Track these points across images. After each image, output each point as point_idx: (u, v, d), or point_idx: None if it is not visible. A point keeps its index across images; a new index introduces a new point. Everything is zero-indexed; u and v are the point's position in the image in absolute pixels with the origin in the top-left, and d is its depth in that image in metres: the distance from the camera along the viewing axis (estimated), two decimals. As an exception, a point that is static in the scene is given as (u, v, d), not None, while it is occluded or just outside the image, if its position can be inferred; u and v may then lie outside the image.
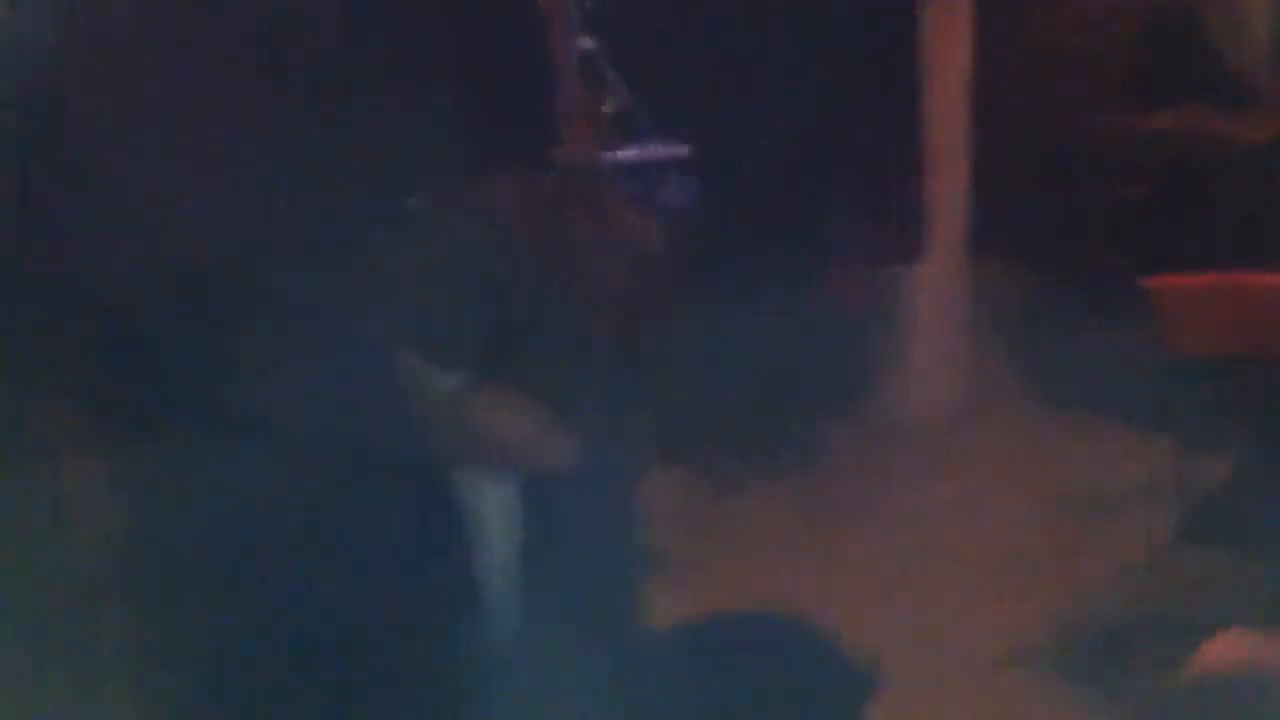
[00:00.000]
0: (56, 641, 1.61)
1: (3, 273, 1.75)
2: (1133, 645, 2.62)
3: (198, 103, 1.89)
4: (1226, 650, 2.25)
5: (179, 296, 1.73)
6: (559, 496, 1.68)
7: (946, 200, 3.61)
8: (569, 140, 2.38)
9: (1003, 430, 3.76)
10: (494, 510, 1.67)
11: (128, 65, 1.66)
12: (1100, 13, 4.05)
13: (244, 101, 1.99)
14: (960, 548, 3.23)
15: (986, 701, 2.71)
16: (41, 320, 1.68)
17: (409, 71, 2.17)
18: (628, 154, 2.46)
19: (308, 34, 1.94)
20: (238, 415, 1.48)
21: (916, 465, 3.61)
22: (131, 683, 1.58)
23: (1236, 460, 2.74)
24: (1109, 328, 3.66)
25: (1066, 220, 3.94)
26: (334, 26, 1.94)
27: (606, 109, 2.52)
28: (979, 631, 2.90)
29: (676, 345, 1.56)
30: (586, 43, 2.48)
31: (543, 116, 2.33)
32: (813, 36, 2.87)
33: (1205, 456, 2.97)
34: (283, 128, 2.11)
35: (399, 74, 2.17)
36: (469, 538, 1.62)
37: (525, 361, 1.47)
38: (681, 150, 2.59)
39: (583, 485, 1.66)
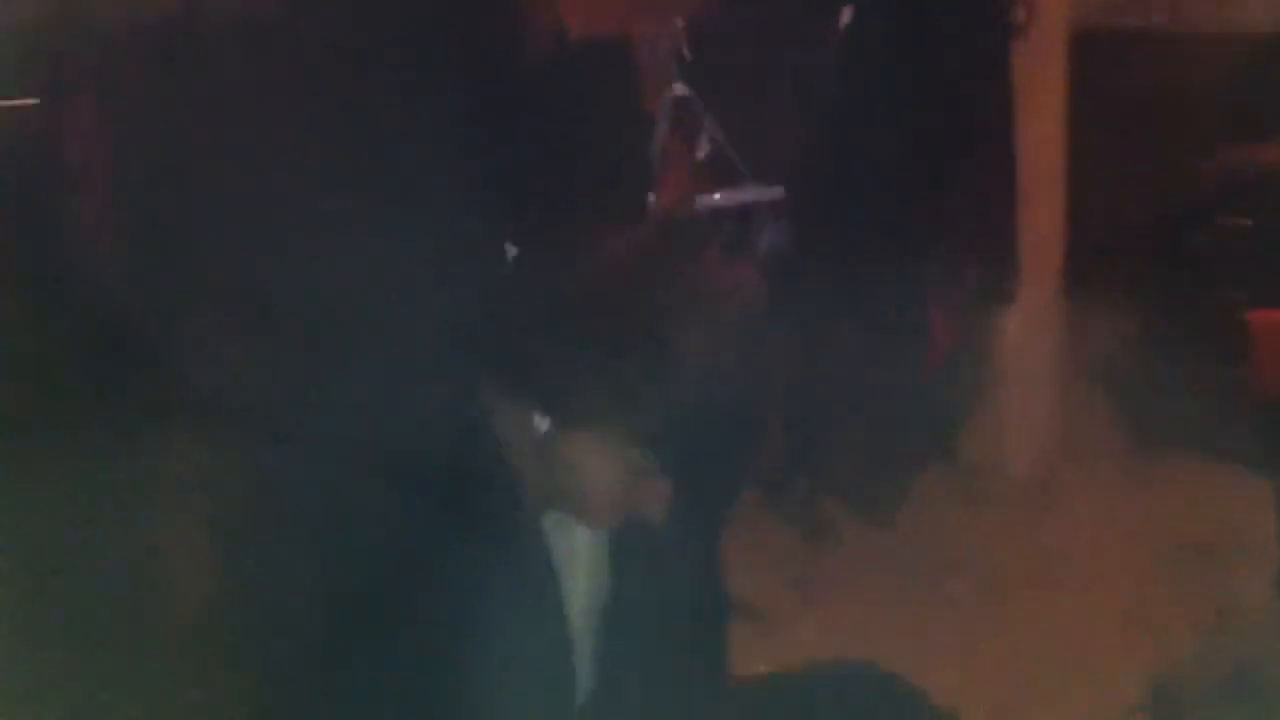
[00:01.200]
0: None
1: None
2: (1237, 697, 2.57)
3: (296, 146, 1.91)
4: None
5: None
6: (649, 543, 1.67)
7: (1043, 239, 3.56)
8: (663, 187, 2.37)
9: (1100, 474, 3.69)
10: (584, 555, 1.67)
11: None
12: (1203, 46, 3.99)
13: (349, 149, 2.01)
14: (1056, 597, 3.17)
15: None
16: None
17: (505, 123, 2.18)
18: (722, 199, 2.45)
19: (406, 80, 1.95)
20: (333, 452, 1.49)
21: (1012, 511, 3.55)
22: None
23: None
24: (1210, 366, 3.60)
25: (1167, 256, 3.88)
26: (433, 74, 1.95)
27: (701, 154, 2.51)
28: (1078, 684, 2.85)
29: (771, 392, 1.54)
30: (680, 89, 2.48)
31: (637, 163, 2.33)
32: (909, 79, 2.85)
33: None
34: (383, 173, 2.13)
35: (495, 124, 2.18)
36: (557, 581, 1.61)
37: (622, 408, 1.46)
38: (776, 193, 2.58)
39: (673, 532, 1.65)
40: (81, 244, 1.77)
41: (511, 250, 2.15)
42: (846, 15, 2.80)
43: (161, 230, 1.67)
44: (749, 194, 2.66)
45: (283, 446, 1.60)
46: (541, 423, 1.52)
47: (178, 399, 1.86)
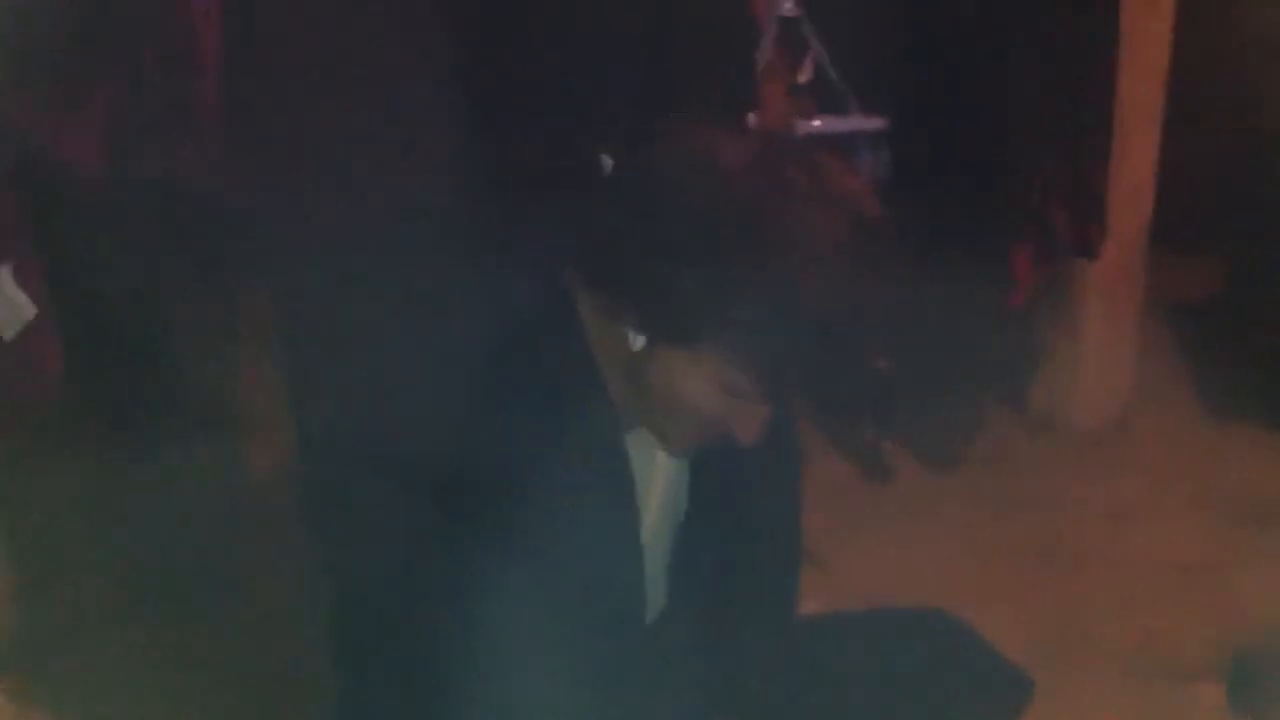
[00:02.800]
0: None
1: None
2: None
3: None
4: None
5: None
6: (731, 470, 1.63)
7: (1134, 190, 3.48)
8: (765, 106, 2.32)
9: (1172, 433, 3.63)
10: (664, 477, 1.64)
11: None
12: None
13: (436, 49, 1.98)
14: (1115, 552, 3.13)
15: (1138, 716, 2.63)
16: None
17: (604, 24, 2.13)
18: (824, 125, 2.41)
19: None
20: (428, 358, 1.46)
21: (1079, 464, 3.51)
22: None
23: None
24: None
25: (1260, 216, 3.79)
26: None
27: (804, 77, 2.46)
28: (1130, 640, 2.82)
29: (864, 323, 1.49)
30: (789, 7, 2.42)
31: (741, 80, 2.29)
32: (1012, 18, 2.79)
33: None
34: (478, 76, 2.10)
35: (594, 25, 2.14)
36: (632, 502, 1.58)
37: (722, 326, 1.41)
38: (876, 123, 2.52)
39: (757, 461, 1.62)
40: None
41: (608, 161, 2.11)
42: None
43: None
44: (851, 122, 2.62)
45: (373, 344, 1.58)
46: (635, 340, 1.47)
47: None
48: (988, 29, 2.71)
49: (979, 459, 3.48)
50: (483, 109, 2.14)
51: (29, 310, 2.06)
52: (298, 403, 2.19)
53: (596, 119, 2.13)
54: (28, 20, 1.89)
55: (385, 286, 1.92)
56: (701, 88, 2.18)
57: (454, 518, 1.42)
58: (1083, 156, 3.20)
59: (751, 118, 2.40)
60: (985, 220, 2.95)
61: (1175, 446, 3.60)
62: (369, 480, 1.46)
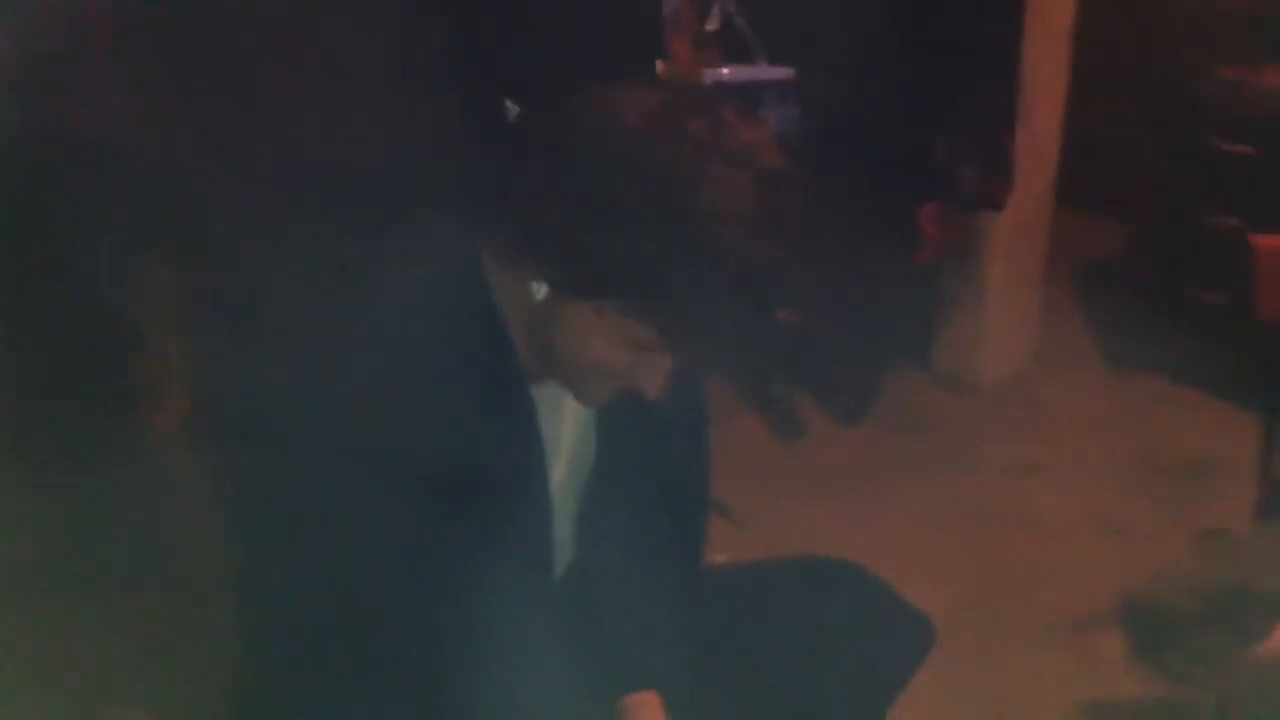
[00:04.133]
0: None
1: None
2: (1203, 618, 2.58)
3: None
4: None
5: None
6: (637, 422, 1.62)
7: (1039, 147, 3.51)
8: (672, 55, 2.30)
9: (1074, 390, 3.68)
10: (570, 430, 1.62)
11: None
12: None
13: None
14: (1021, 507, 3.17)
15: (1045, 665, 2.67)
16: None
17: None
18: (731, 74, 2.39)
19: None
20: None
21: (983, 419, 3.54)
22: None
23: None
24: (1197, 289, 3.58)
25: (1163, 175, 3.84)
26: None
27: (711, 25, 2.44)
28: (1039, 594, 2.86)
29: (769, 275, 1.47)
30: (694, -45, 2.40)
31: (647, 27, 2.26)
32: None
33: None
34: (385, 20, 2.06)
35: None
36: (540, 453, 1.56)
37: (626, 278, 1.39)
38: (784, 73, 2.51)
39: (663, 414, 1.60)
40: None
41: (513, 109, 2.08)
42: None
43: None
44: (759, 72, 2.60)
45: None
46: (539, 290, 1.45)
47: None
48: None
49: (884, 415, 3.50)
50: (387, 60, 2.10)
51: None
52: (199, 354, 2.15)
53: (501, 68, 2.10)
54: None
55: (288, 236, 1.88)
56: (608, 36, 2.15)
57: (360, 471, 1.40)
58: (989, 111, 3.22)
59: (659, 66, 2.39)
60: (892, 173, 2.95)
61: (1078, 402, 3.64)
62: (273, 434, 1.43)
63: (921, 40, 2.94)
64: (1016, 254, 3.62)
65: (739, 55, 2.50)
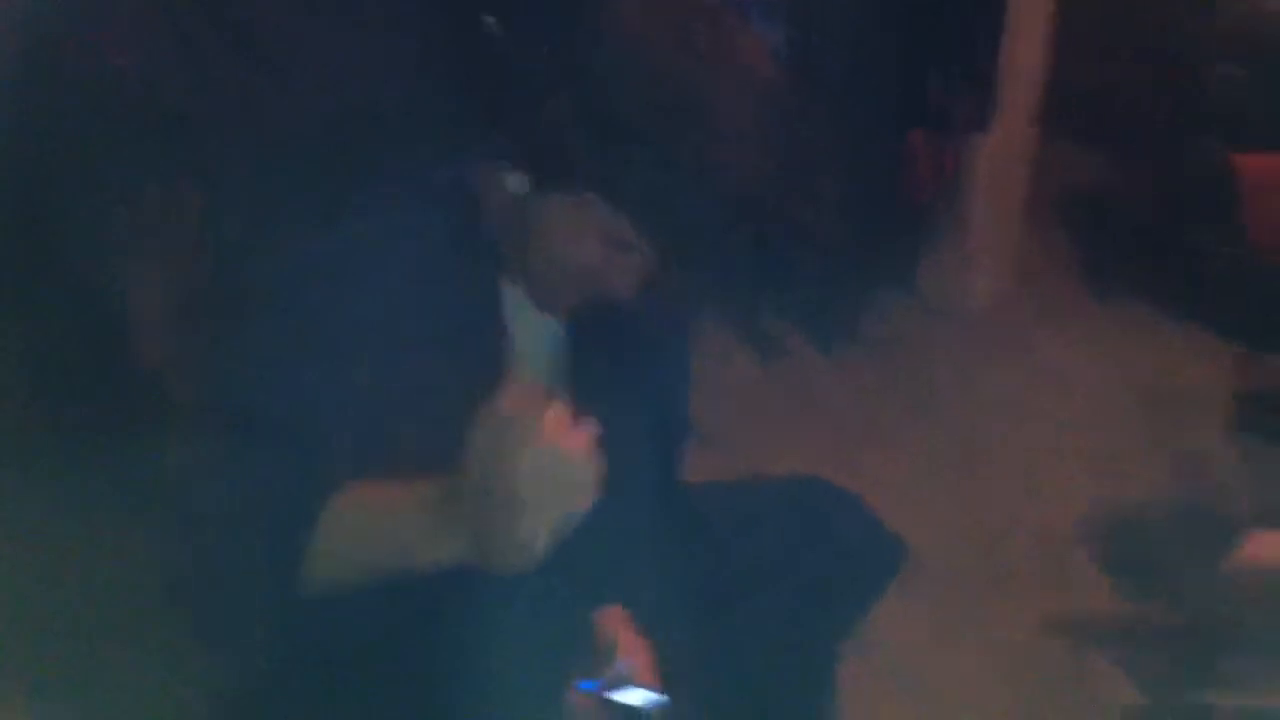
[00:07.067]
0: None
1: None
2: (1176, 537, 2.61)
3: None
4: (1271, 545, 2.23)
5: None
6: (615, 341, 1.60)
7: (1024, 70, 3.48)
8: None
9: (1055, 317, 3.67)
10: (537, 332, 1.60)
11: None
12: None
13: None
14: (1002, 435, 3.17)
15: (1021, 585, 2.68)
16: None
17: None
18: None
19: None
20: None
21: (964, 348, 3.53)
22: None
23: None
24: (1182, 218, 3.56)
25: (1152, 100, 3.81)
26: None
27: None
28: (1018, 514, 2.87)
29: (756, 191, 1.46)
30: None
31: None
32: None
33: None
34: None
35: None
36: (502, 356, 1.53)
37: (608, 171, 1.38)
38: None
39: (641, 333, 1.59)
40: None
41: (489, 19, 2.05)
42: None
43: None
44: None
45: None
46: (519, 183, 1.43)
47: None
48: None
49: (865, 340, 3.49)
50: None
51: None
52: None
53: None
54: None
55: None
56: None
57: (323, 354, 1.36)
58: (973, 32, 3.20)
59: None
60: (877, 97, 2.94)
61: (1059, 329, 3.63)
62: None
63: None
64: (1000, 181, 3.59)
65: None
